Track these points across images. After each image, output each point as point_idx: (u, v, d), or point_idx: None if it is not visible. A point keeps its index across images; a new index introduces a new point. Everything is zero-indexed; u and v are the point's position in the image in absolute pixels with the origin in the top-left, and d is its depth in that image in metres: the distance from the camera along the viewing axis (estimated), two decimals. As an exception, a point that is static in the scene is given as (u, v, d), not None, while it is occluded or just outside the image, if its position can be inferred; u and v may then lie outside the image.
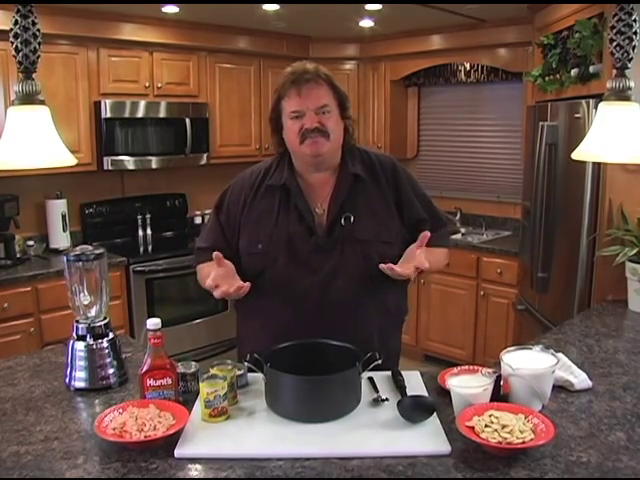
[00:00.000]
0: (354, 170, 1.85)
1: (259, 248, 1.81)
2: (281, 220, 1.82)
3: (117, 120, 3.93)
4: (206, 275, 1.81)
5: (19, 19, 1.33)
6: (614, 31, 1.50)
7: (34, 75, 1.40)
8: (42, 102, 1.43)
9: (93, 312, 1.79)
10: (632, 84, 1.56)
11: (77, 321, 1.78)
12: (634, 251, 2.48)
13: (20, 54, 1.36)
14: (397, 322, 2.00)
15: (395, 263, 1.75)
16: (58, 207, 3.95)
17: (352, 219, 1.81)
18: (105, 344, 1.76)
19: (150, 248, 4.35)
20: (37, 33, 1.36)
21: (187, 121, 4.22)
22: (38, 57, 1.38)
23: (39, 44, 1.37)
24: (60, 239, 3.95)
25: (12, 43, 1.37)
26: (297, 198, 1.83)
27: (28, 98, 1.41)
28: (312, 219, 1.82)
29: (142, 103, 4.05)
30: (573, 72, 3.13)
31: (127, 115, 3.98)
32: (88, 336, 1.75)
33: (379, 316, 1.86)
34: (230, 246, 1.88)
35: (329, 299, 1.78)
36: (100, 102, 3.85)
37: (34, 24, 1.34)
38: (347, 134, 1.85)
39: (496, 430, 1.35)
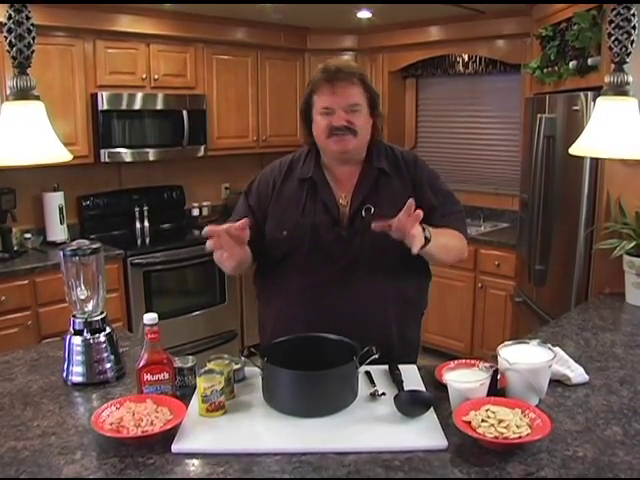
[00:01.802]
0: (379, 165, 1.89)
1: (283, 234, 1.86)
2: (307, 210, 1.87)
3: (114, 112, 3.91)
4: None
5: (12, 13, 1.31)
6: (612, 25, 1.49)
7: (28, 70, 1.39)
8: (37, 97, 1.41)
9: (90, 307, 1.79)
10: (630, 79, 1.55)
11: (74, 316, 1.78)
12: (632, 244, 2.48)
13: (14, 49, 1.34)
14: (416, 314, 2.02)
15: (412, 257, 1.73)
16: (55, 200, 3.93)
17: (373, 210, 1.83)
18: (102, 339, 1.76)
19: (148, 240, 4.34)
20: (31, 27, 1.34)
21: (184, 113, 4.20)
22: (32, 52, 1.37)
23: (33, 39, 1.35)
24: (57, 232, 3.94)
25: (6, 38, 1.35)
26: (323, 190, 1.87)
27: (22, 93, 1.39)
28: (337, 211, 1.86)
29: (139, 95, 4.02)
30: (571, 64, 3.12)
31: (124, 107, 3.96)
32: (85, 331, 1.75)
33: (397, 307, 1.89)
34: (260, 228, 1.91)
35: (348, 289, 1.81)
36: (97, 94, 3.83)
37: (28, 18, 1.32)
38: (376, 131, 1.89)
39: (493, 425, 1.36)
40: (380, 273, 1.83)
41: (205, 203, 4.89)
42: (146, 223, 4.47)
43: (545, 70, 3.49)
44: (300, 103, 1.90)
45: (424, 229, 1.74)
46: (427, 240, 1.68)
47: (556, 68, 3.37)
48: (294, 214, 1.87)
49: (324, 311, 1.79)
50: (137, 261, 3.89)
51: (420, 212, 1.59)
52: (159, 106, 4.13)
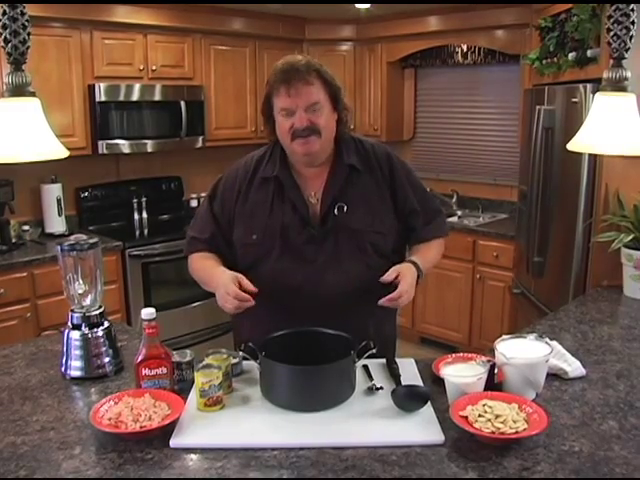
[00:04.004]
0: (349, 161, 1.84)
1: (253, 239, 1.81)
2: (275, 211, 1.82)
3: (112, 103, 3.90)
4: (201, 268, 1.88)
5: (7, 9, 1.30)
6: (611, 20, 1.47)
7: (24, 66, 1.38)
8: (32, 94, 1.40)
9: (88, 301, 1.79)
10: (628, 74, 1.54)
11: (72, 310, 1.78)
12: (630, 237, 2.47)
13: (9, 45, 1.33)
14: (392, 310, 1.99)
15: (388, 252, 1.83)
16: (53, 191, 3.93)
17: (345, 209, 1.80)
18: (100, 333, 1.77)
19: (146, 232, 4.35)
20: (26, 23, 1.33)
21: (182, 104, 4.19)
22: (28, 48, 1.35)
23: (28, 35, 1.34)
24: (56, 223, 3.94)
25: (0, 34, 1.34)
26: (290, 190, 1.82)
27: (18, 90, 1.38)
28: (306, 210, 1.81)
29: (137, 86, 4.01)
30: (571, 56, 3.11)
31: (122, 98, 3.95)
32: (83, 325, 1.75)
33: (373, 304, 1.86)
34: (224, 237, 1.88)
35: (323, 289, 1.78)
36: (94, 85, 3.81)
37: (23, 14, 1.31)
38: (341, 125, 1.83)
39: (489, 420, 1.36)
40: (355, 272, 1.79)
41: (203, 194, 4.83)
42: (144, 214, 4.48)
43: (544, 61, 3.48)
44: (260, 103, 1.84)
45: (416, 265, 1.79)
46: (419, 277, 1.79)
47: (555, 59, 3.35)
48: (262, 216, 1.81)
49: (300, 312, 1.75)
50: (136, 253, 3.89)
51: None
52: (157, 97, 4.11)
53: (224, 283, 1.67)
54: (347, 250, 1.79)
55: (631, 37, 1.48)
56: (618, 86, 1.54)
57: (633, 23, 1.47)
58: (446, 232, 2.01)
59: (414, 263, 1.80)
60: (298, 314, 1.75)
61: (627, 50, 1.50)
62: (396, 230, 1.86)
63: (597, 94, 1.62)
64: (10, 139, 1.39)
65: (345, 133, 1.87)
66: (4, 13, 1.31)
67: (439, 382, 1.59)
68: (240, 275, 1.70)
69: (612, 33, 1.48)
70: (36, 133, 1.42)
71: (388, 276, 1.73)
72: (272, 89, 1.75)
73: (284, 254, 1.79)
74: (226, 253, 1.88)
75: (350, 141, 1.88)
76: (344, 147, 1.85)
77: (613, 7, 1.46)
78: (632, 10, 1.46)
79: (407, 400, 1.50)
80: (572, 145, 1.67)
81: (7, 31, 1.31)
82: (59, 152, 1.45)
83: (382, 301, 1.70)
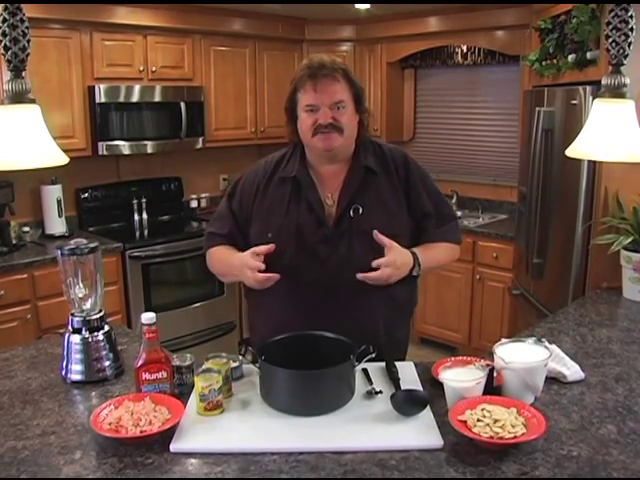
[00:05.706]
0: (366, 163, 1.86)
1: (268, 237, 1.82)
2: (291, 211, 1.84)
3: (111, 105, 3.89)
4: (220, 259, 1.92)
5: (7, 17, 1.30)
6: (610, 27, 1.47)
7: (24, 73, 1.38)
8: (32, 101, 1.41)
9: (88, 305, 1.79)
10: (627, 81, 1.54)
11: (72, 314, 1.78)
12: (629, 239, 2.48)
13: (9, 52, 1.33)
14: (404, 313, 2.01)
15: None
16: (53, 193, 3.93)
17: (361, 210, 1.82)
18: (101, 337, 1.77)
19: (146, 233, 4.35)
20: (26, 31, 1.33)
21: (182, 105, 4.18)
22: (28, 55, 1.35)
23: (28, 42, 1.34)
24: (56, 225, 3.94)
25: (0, 41, 1.34)
26: (308, 190, 1.84)
27: (18, 97, 1.38)
28: (322, 210, 1.83)
29: (137, 87, 4.01)
30: (570, 57, 3.11)
31: (122, 100, 3.95)
32: (84, 329, 1.76)
33: (386, 307, 1.87)
34: (242, 234, 1.92)
35: (336, 290, 1.80)
36: (94, 87, 3.81)
37: (22, 21, 1.32)
38: (362, 127, 1.86)
39: (488, 424, 1.37)
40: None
41: (203, 195, 4.89)
42: (144, 215, 4.48)
43: (544, 63, 3.48)
44: (285, 101, 1.85)
45: (415, 256, 1.79)
46: (412, 272, 1.79)
47: (555, 61, 3.35)
48: (278, 215, 1.84)
49: (312, 312, 1.77)
50: (136, 254, 3.89)
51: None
52: (157, 98, 4.11)
53: (242, 262, 1.75)
54: (361, 251, 1.79)
55: (629, 44, 1.48)
56: (617, 92, 1.54)
57: (632, 30, 1.47)
58: (458, 238, 2.00)
59: (412, 252, 1.80)
60: (309, 313, 1.78)
61: (626, 57, 1.50)
62: (410, 232, 1.88)
63: (595, 100, 1.62)
64: (10, 146, 1.39)
65: (364, 136, 1.90)
66: (4, 20, 1.31)
67: (438, 385, 1.59)
68: (254, 248, 1.75)
69: (611, 40, 1.48)
70: (36, 140, 1.42)
71: (382, 238, 1.72)
72: (298, 84, 1.79)
73: (298, 253, 1.82)
74: (244, 249, 1.88)
75: (368, 144, 1.91)
76: (362, 149, 1.88)
77: (612, 14, 1.46)
78: (631, 17, 1.46)
79: (406, 404, 1.50)
80: (571, 151, 1.67)
81: (7, 38, 1.31)
82: (59, 159, 1.45)
83: (360, 275, 1.71)
